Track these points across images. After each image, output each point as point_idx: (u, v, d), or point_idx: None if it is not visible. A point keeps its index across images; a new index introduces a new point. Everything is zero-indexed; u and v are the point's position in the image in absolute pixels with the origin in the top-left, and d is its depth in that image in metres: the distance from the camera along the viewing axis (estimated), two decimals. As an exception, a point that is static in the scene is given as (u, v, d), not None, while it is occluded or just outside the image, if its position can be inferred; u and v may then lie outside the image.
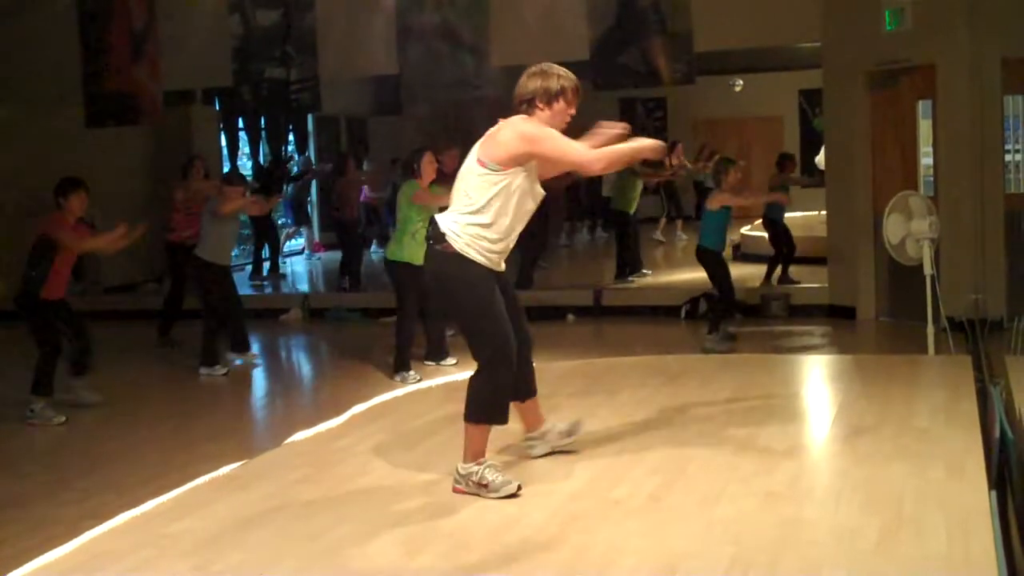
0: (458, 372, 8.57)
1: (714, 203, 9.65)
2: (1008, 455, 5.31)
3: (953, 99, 10.20)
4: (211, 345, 9.61)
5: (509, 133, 4.97)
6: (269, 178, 16.55)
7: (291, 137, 20.00)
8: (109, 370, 8.60)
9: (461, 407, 7.01)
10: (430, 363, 9.21)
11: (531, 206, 5.12)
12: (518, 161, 4.96)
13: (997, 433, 5.42)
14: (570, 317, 11.85)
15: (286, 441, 6.44)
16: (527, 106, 5.08)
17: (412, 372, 8.78)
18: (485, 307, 5.01)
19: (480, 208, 4.96)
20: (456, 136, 13.33)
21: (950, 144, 10.27)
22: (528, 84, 5.08)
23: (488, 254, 5.01)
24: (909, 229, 8.26)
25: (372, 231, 17.89)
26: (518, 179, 4.99)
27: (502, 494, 4.92)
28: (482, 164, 4.97)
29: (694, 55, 11.86)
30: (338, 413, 7.02)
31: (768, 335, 10.65)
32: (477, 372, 5.09)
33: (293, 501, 5.09)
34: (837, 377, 7.90)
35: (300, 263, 18.20)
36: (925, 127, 10.65)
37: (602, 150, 5.04)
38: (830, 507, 4.67)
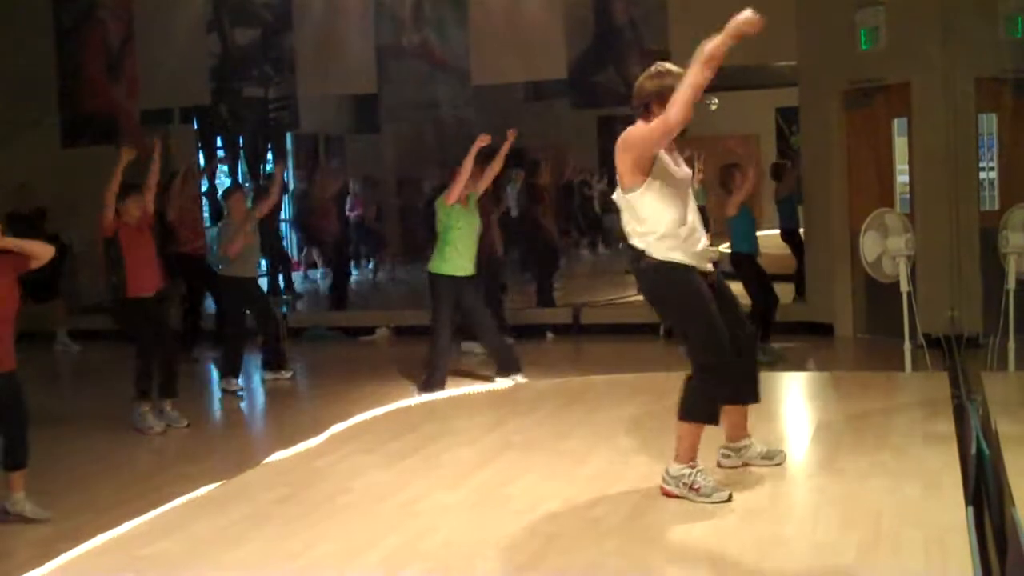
0: (446, 391, 8.56)
1: (731, 208, 9.74)
2: (985, 471, 5.34)
3: (928, 117, 10.28)
4: (234, 355, 9.72)
5: (618, 157, 5.06)
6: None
7: (269, 156, 19.96)
8: (88, 390, 8.54)
9: (440, 425, 7.05)
10: (502, 378, 8.93)
11: (681, 189, 5.15)
12: (641, 172, 5.02)
13: (974, 449, 5.45)
14: (549, 335, 11.86)
15: (265, 460, 6.40)
16: (643, 110, 5.11)
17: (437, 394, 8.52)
18: (695, 311, 5.07)
19: (649, 221, 5.06)
20: (435, 155, 13.39)
21: (925, 162, 10.34)
22: (644, 87, 5.13)
23: (684, 250, 5.06)
24: (885, 246, 8.31)
25: (364, 250, 17.76)
26: (656, 180, 5.06)
27: (713, 500, 4.94)
28: (624, 190, 5.10)
29: (672, 74, 11.90)
30: (317, 432, 6.99)
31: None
32: (692, 373, 5.13)
33: (272, 521, 5.07)
34: (815, 394, 7.93)
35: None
36: (900, 145, 10.72)
37: (676, 93, 4.87)
38: (808, 524, 4.68)
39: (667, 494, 5.05)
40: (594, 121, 21.77)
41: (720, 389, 5.12)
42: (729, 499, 4.96)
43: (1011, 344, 8.29)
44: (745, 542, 4.44)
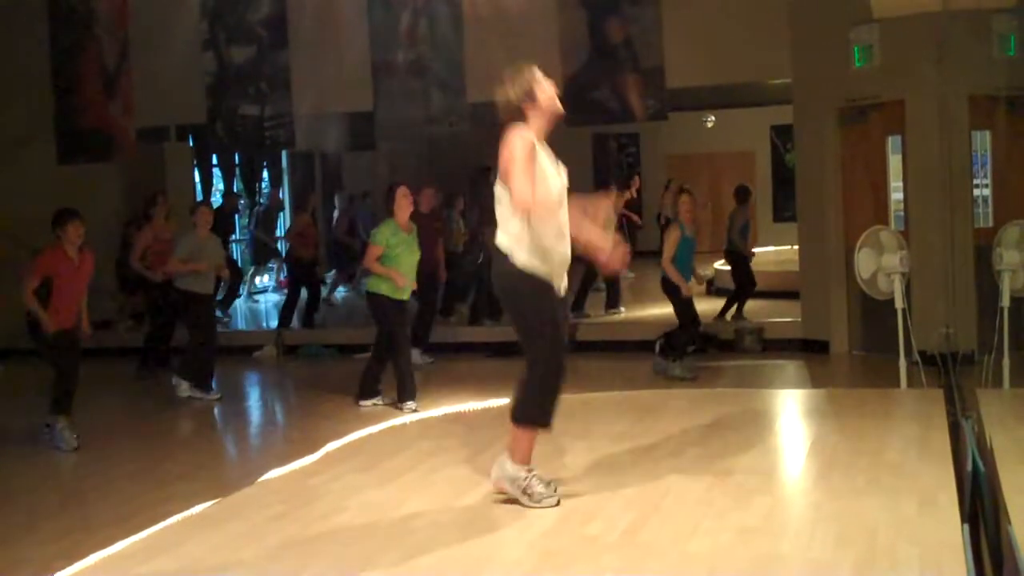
0: (430, 409, 8.56)
1: (671, 232, 10.14)
2: (980, 489, 5.34)
3: (922, 134, 10.32)
4: (205, 368, 9.87)
5: (502, 153, 5.17)
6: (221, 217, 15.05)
7: (265, 174, 19.99)
8: (82, 408, 8.53)
9: (435, 443, 7.04)
10: (404, 405, 8.93)
11: (556, 197, 5.24)
12: None
13: (969, 467, 5.46)
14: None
15: (260, 479, 6.40)
16: (519, 115, 5.28)
17: (378, 399, 8.92)
18: (542, 324, 5.26)
19: (519, 229, 5.18)
20: (430, 172, 13.37)
21: (919, 179, 10.37)
22: (505, 97, 5.32)
23: (544, 263, 5.21)
24: (880, 263, 8.33)
25: (346, 270, 17.65)
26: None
27: (542, 505, 5.23)
28: (503, 186, 5.20)
29: (666, 91, 11.96)
30: (313, 450, 6.98)
31: (742, 369, 10.68)
32: (525, 378, 5.31)
33: (267, 539, 5.06)
34: (810, 411, 7.93)
35: (267, 300, 17.97)
36: (895, 162, 10.76)
37: (532, 202, 5.10)
38: (804, 541, 4.68)
39: (500, 490, 5.35)
40: (588, 138, 21.88)
41: (551, 397, 5.31)
42: (557, 504, 5.23)
43: (1006, 361, 8.30)
44: (742, 560, 4.44)
